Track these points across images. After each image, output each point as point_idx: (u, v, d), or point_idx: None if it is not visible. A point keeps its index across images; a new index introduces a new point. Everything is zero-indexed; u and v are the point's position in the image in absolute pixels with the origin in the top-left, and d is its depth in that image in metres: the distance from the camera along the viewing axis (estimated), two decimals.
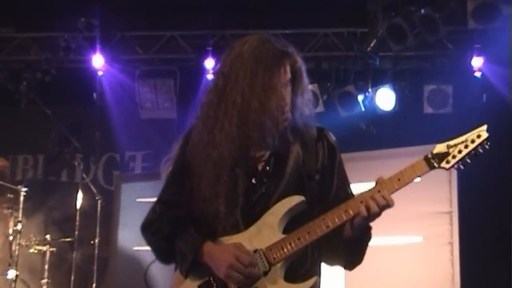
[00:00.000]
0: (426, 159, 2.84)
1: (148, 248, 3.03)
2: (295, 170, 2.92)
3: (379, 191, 2.81)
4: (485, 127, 2.83)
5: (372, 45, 8.23)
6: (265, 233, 2.83)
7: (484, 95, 8.15)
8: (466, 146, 2.82)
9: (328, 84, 8.72)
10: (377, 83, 8.57)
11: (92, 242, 7.80)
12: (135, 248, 8.12)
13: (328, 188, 2.97)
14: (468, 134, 2.84)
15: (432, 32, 7.80)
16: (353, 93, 8.52)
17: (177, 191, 2.96)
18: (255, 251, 2.81)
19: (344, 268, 3.03)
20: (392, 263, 7.37)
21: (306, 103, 2.96)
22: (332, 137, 3.07)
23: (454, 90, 8.30)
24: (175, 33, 8.89)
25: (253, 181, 2.89)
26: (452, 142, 2.85)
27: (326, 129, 3.08)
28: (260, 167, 2.92)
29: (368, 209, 2.78)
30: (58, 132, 8.30)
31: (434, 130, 7.91)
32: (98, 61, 8.74)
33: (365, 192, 2.83)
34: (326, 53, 8.88)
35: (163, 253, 2.99)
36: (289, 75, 2.90)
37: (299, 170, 2.92)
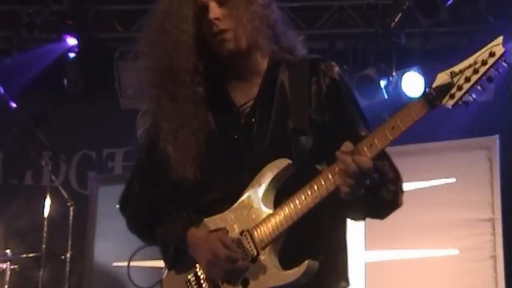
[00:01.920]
0: (424, 96, 2.58)
1: (138, 263, 3.10)
2: (280, 121, 2.85)
3: (363, 154, 2.58)
4: (500, 39, 2.47)
5: (396, 19, 8.23)
6: (252, 209, 2.84)
7: None
8: (475, 71, 2.48)
9: (345, 67, 8.71)
10: (403, 66, 8.56)
11: (62, 257, 7.82)
12: (115, 264, 8.13)
13: (333, 133, 2.82)
14: (477, 54, 2.49)
15: (469, 3, 7.78)
16: (374, 78, 8.51)
17: (154, 158, 2.98)
18: (241, 233, 2.83)
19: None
20: (422, 280, 7.38)
21: (266, 23, 2.86)
22: (334, 70, 2.93)
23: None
24: None
25: (236, 137, 2.90)
26: (456, 68, 2.55)
27: (325, 60, 2.96)
28: (243, 120, 2.91)
29: (342, 181, 2.58)
30: (21, 126, 8.31)
31: (472, 122, 7.91)
32: (68, 40, 8.74)
33: (355, 149, 2.62)
34: (342, 30, 8.88)
35: (144, 238, 3.12)
36: None
37: (285, 121, 2.84)
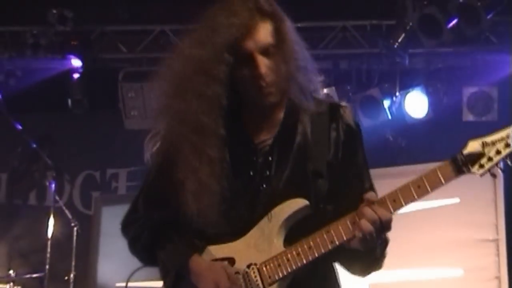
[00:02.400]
0: (454, 161, 2.68)
1: (137, 284, 3.09)
2: (299, 163, 2.87)
3: (384, 205, 2.69)
4: None
5: (400, 40, 8.25)
6: (262, 244, 2.84)
7: None
8: (507, 145, 2.63)
9: (348, 87, 8.74)
10: (406, 86, 8.58)
11: (66, 278, 7.81)
12: (118, 284, 8.11)
13: (343, 183, 2.89)
14: (510, 129, 2.64)
15: (472, 24, 7.81)
16: (378, 98, 8.53)
17: (164, 183, 2.94)
18: (249, 266, 2.84)
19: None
20: None
21: (298, 70, 2.86)
22: (351, 116, 2.98)
23: (499, 93, 8.30)
24: (166, 28, 8.93)
25: (251, 173, 2.89)
26: (489, 139, 2.67)
27: (343, 105, 3.00)
28: (261, 159, 2.91)
29: (360, 229, 2.67)
30: (26, 146, 8.32)
31: None
32: (73, 61, 8.77)
33: (377, 201, 2.72)
34: (345, 50, 8.90)
35: (145, 261, 3.10)
36: (268, 39, 2.80)
37: (305, 163, 2.87)
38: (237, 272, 2.83)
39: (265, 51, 2.79)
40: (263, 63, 2.78)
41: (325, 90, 8.70)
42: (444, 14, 7.85)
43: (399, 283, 7.27)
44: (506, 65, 8.20)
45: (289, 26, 2.86)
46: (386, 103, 8.55)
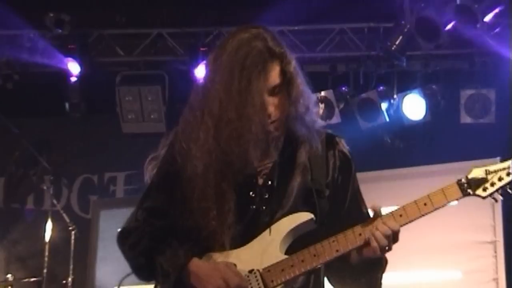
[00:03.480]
0: (460, 184, 2.94)
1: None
2: (302, 184, 3.03)
3: (391, 219, 2.91)
4: None
5: (397, 43, 8.26)
6: (265, 252, 2.92)
7: None
8: (508, 174, 2.90)
9: (346, 90, 8.75)
10: (404, 88, 8.59)
11: (64, 281, 7.81)
12: None
13: (339, 206, 3.09)
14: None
15: (469, 26, 7.82)
16: (376, 101, 8.54)
17: (163, 198, 3.07)
18: (251, 271, 2.90)
19: None
20: None
21: (304, 110, 3.02)
22: (345, 146, 3.17)
23: (497, 96, 8.31)
24: (163, 31, 8.93)
25: (252, 194, 3.00)
26: (492, 168, 2.93)
27: (338, 136, 3.18)
28: (261, 181, 3.02)
29: (375, 240, 2.88)
30: (23, 150, 8.32)
31: (473, 144, 7.92)
32: (70, 64, 8.77)
33: (385, 216, 2.92)
34: (343, 53, 8.91)
35: (142, 270, 3.09)
36: (277, 80, 2.96)
37: (307, 184, 3.02)
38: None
39: (273, 91, 2.96)
40: (271, 103, 2.96)
41: (322, 93, 8.74)
42: (442, 16, 7.86)
43: (397, 285, 7.27)
44: (504, 67, 8.21)
45: (295, 66, 3.01)
46: (384, 105, 8.56)
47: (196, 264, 2.93)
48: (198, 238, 2.96)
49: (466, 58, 8.71)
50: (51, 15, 8.52)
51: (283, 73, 2.97)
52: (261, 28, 3.04)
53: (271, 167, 3.03)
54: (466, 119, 8.39)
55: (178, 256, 2.95)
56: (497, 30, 8.28)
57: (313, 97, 3.13)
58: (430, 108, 8.44)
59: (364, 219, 2.96)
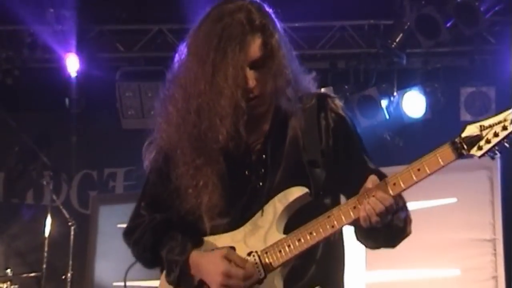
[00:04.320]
0: (453, 144, 2.75)
1: (134, 283, 3.10)
2: (293, 156, 2.94)
3: (383, 189, 2.74)
4: None
5: (398, 40, 8.26)
6: (262, 232, 2.89)
7: None
8: (504, 128, 2.66)
9: (346, 87, 8.75)
10: (404, 86, 8.59)
11: (63, 277, 7.80)
12: (116, 283, 8.12)
13: (343, 168, 2.97)
14: (508, 112, 2.67)
15: (470, 24, 7.82)
16: (376, 98, 8.54)
17: (160, 189, 3.04)
18: (249, 253, 2.87)
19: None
20: None
21: (285, 84, 2.91)
22: (337, 103, 3.05)
23: (497, 93, 8.31)
24: (163, 27, 8.93)
25: (247, 173, 2.95)
26: (486, 123, 2.70)
27: (330, 96, 3.07)
28: (254, 157, 2.97)
29: (367, 216, 2.73)
30: (23, 145, 8.32)
31: None
32: (71, 60, 8.77)
33: (379, 185, 2.76)
34: (343, 50, 8.91)
35: (148, 262, 3.12)
36: (258, 53, 2.85)
37: (299, 155, 2.94)
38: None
39: (254, 65, 2.85)
40: (251, 77, 2.84)
41: (322, 90, 8.72)
42: (442, 14, 7.86)
43: (396, 283, 7.27)
44: (504, 65, 8.21)
45: (278, 39, 2.91)
46: (384, 103, 8.56)
47: (197, 256, 2.92)
48: (194, 222, 2.94)
49: (466, 56, 8.70)
50: (52, 10, 8.52)
51: (265, 45, 2.86)
52: (237, 1, 2.93)
53: (262, 142, 2.97)
54: (466, 116, 8.39)
55: (181, 247, 2.95)
56: (497, 27, 8.29)
57: (301, 68, 3.02)
58: (430, 105, 8.44)
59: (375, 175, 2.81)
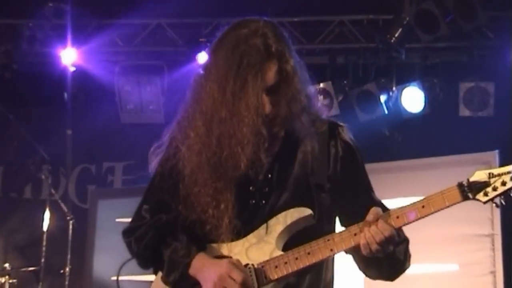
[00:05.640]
0: (460, 187, 2.84)
1: (129, 278, 3.10)
2: (301, 178, 3.00)
3: (387, 221, 2.83)
4: None
5: (397, 35, 8.26)
6: (260, 246, 2.93)
7: None
8: None
9: (344, 82, 8.75)
10: (403, 81, 8.59)
11: (61, 271, 7.81)
12: (114, 277, 8.11)
13: (347, 197, 3.03)
14: None
15: (469, 19, 7.82)
16: (374, 93, 8.54)
17: (167, 193, 3.06)
18: (245, 265, 2.91)
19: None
20: None
21: (301, 109, 2.98)
22: (348, 134, 3.12)
23: (495, 88, 8.31)
24: (162, 21, 8.92)
25: (251, 188, 2.99)
26: (496, 171, 2.81)
27: (341, 125, 3.13)
28: (261, 176, 3.00)
29: (367, 244, 2.82)
30: (21, 139, 8.32)
31: (472, 137, 7.93)
32: (69, 54, 8.76)
33: (382, 216, 2.85)
34: (342, 45, 8.90)
35: (147, 261, 3.12)
36: (274, 79, 2.91)
37: (307, 178, 3.00)
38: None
39: (269, 90, 2.91)
40: (267, 101, 2.91)
41: (321, 85, 8.74)
42: (441, 9, 7.86)
43: None
44: (503, 60, 8.22)
45: (294, 65, 2.96)
46: (383, 98, 8.56)
47: (201, 260, 2.95)
48: (201, 232, 2.97)
49: (465, 51, 8.70)
50: (50, 4, 8.51)
51: (280, 72, 2.92)
52: (261, 22, 2.99)
53: (271, 161, 3.00)
54: (464, 112, 8.39)
55: (184, 250, 2.97)
56: (496, 23, 8.28)
57: (314, 93, 3.11)
58: (428, 100, 8.44)
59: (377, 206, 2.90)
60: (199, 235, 2.99)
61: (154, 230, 3.04)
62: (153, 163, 3.12)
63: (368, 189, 3.11)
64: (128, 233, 3.12)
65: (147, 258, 3.10)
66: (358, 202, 3.00)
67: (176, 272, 2.97)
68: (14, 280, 7.71)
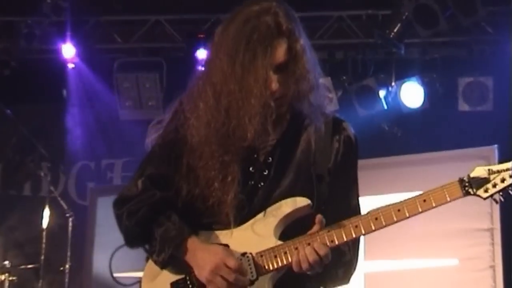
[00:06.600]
0: (461, 182, 2.87)
1: (129, 275, 3.08)
2: (303, 167, 3.01)
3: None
4: None
5: (396, 30, 8.25)
6: (259, 235, 2.92)
7: None
8: (511, 176, 2.81)
9: (344, 77, 8.75)
10: (402, 76, 8.59)
11: (61, 268, 7.82)
12: (115, 275, 8.13)
13: (336, 192, 3.04)
14: None
15: (468, 14, 7.82)
16: (374, 88, 8.54)
17: (167, 166, 3.04)
18: (244, 254, 2.89)
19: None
20: None
21: (309, 89, 2.99)
22: (352, 131, 3.14)
23: (494, 83, 8.32)
24: (161, 17, 8.92)
25: (251, 169, 2.99)
26: (495, 168, 2.85)
27: (345, 121, 3.16)
28: (262, 157, 3.01)
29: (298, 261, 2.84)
30: (20, 136, 8.32)
31: (471, 132, 7.94)
32: (68, 51, 8.77)
33: (373, 212, 2.89)
34: (341, 41, 8.91)
35: (136, 238, 3.06)
36: (282, 57, 2.94)
37: (309, 167, 3.01)
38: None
39: (278, 68, 2.93)
40: (274, 79, 2.92)
41: (320, 80, 8.72)
42: (440, 4, 7.85)
43: (394, 272, 7.29)
44: (502, 55, 8.22)
45: (303, 44, 3.01)
46: (382, 93, 8.56)
47: (194, 243, 2.92)
48: (203, 208, 2.96)
49: (464, 46, 8.71)
50: (49, 1, 8.51)
51: (290, 50, 2.95)
52: (274, 2, 3.02)
53: (273, 144, 3.01)
54: (464, 106, 8.40)
55: (178, 231, 2.93)
56: (495, 18, 8.29)
57: (321, 77, 3.11)
58: (428, 95, 8.45)
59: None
60: (197, 213, 2.97)
61: (147, 207, 2.98)
62: (152, 136, 3.12)
63: (352, 191, 3.11)
64: (119, 204, 3.08)
65: (135, 236, 3.04)
66: (337, 200, 3.03)
67: (166, 251, 2.92)
68: (14, 278, 7.71)
